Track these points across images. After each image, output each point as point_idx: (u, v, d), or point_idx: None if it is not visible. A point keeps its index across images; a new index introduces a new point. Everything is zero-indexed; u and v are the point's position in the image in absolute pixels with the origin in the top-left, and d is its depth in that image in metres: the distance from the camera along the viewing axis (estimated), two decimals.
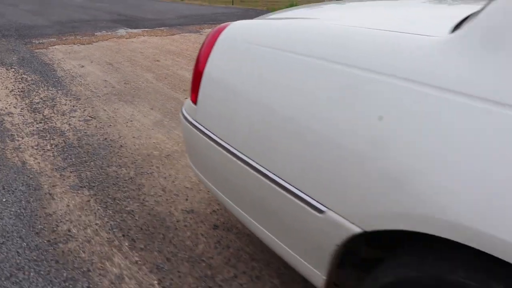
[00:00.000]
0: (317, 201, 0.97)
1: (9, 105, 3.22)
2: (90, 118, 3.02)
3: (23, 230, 1.76)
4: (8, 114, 3.03)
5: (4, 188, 2.08)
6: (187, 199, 2.02)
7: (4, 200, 1.98)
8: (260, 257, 1.63)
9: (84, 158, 2.41)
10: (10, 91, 3.54)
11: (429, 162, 0.75)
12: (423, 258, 0.82)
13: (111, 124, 2.92)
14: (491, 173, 0.67)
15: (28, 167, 2.30)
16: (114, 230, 1.78)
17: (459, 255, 0.76)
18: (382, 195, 0.82)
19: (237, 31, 1.27)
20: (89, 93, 3.56)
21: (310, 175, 0.97)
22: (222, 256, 1.63)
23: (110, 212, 1.91)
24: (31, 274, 1.52)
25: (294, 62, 1.04)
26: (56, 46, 5.37)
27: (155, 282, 1.50)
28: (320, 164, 0.94)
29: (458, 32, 0.80)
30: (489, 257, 0.69)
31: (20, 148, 2.52)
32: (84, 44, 5.57)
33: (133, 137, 2.71)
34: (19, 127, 2.82)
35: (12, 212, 1.88)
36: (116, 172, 2.26)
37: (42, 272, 1.53)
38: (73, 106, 3.25)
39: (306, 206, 0.99)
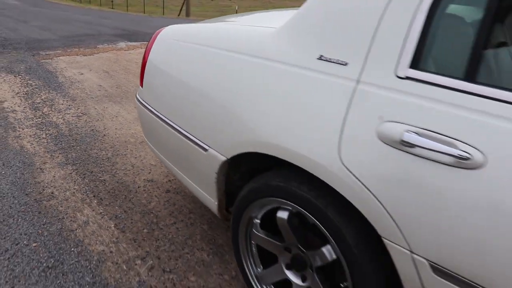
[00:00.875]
0: (204, 143, 1.42)
1: (14, 104, 3.74)
2: (82, 114, 3.51)
3: (16, 192, 2.23)
4: (12, 111, 3.54)
5: (4, 164, 2.56)
6: (150, 172, 2.48)
7: (3, 172, 2.46)
8: (197, 211, 2.07)
9: (72, 144, 2.89)
10: (16, 94, 4.07)
11: (254, 104, 1.21)
12: (269, 174, 1.27)
13: (99, 119, 3.41)
14: (290, 113, 1.12)
15: (25, 150, 2.78)
16: (87, 192, 2.24)
17: (291, 171, 1.20)
18: (232, 133, 1.27)
19: (168, 32, 1.74)
20: (84, 95, 4.07)
21: (200, 126, 1.43)
22: (168, 210, 2.08)
23: (87, 181, 2.37)
24: (19, 220, 1.98)
25: (199, 50, 1.51)
26: (61, 57, 5.94)
27: (112, 225, 1.95)
28: (205, 118, 1.40)
29: (282, 25, 1.26)
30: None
31: (20, 136, 3.01)
32: (86, 56, 6.14)
33: (116, 128, 3.19)
34: (21, 121, 3.32)
35: (8, 181, 2.36)
36: (96, 153, 2.74)
37: (27, 219, 1.99)
38: (69, 105, 3.76)
39: (199, 148, 1.45)
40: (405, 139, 0.85)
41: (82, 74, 4.96)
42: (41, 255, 1.73)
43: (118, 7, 22.89)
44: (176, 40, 1.65)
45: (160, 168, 2.53)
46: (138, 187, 2.31)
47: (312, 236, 1.18)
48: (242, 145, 1.25)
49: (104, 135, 3.07)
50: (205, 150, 1.41)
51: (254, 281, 1.40)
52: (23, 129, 3.15)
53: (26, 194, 2.21)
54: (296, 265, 1.26)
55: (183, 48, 1.58)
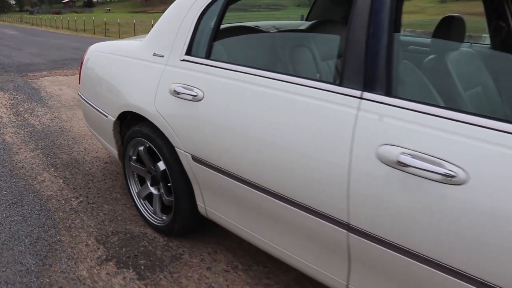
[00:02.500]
0: (105, 112, 2.29)
1: (1, 112, 4.62)
2: (54, 118, 4.39)
3: None
4: None
5: None
6: (96, 152, 3.34)
7: None
8: (122, 173, 2.92)
9: (43, 137, 3.75)
10: (4, 105, 4.96)
11: (126, 83, 2.08)
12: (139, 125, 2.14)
13: (68, 120, 4.29)
14: (138, 85, 2.00)
15: (6, 141, 3.64)
16: (48, 165, 3.10)
17: (146, 123, 2.07)
18: (116, 102, 2.15)
19: (93, 47, 2.63)
20: (60, 105, 4.96)
21: (103, 101, 2.30)
22: (102, 173, 2.94)
23: (49, 158, 3.23)
24: None
25: (106, 56, 2.39)
26: (46, 78, 6.88)
27: (61, 182, 2.80)
28: (105, 95, 2.28)
29: (145, 39, 2.15)
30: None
31: (3, 133, 3.88)
32: (67, 76, 7.08)
33: (79, 127, 4.07)
34: (5, 124, 4.19)
35: None
36: (60, 142, 3.60)
37: (1, 179, 2.84)
38: (46, 112, 4.65)
39: (103, 116, 2.31)
40: (179, 91, 1.72)
41: (61, 89, 5.87)
42: (9, 198, 2.57)
43: (113, 34, 24.19)
44: (96, 51, 2.55)
45: (104, 151, 3.40)
46: (85, 161, 3.17)
47: (153, 159, 2.04)
48: (121, 108, 2.12)
49: (69, 131, 3.94)
50: (106, 116, 2.28)
51: (135, 196, 2.25)
52: (6, 129, 4.02)
53: (3, 166, 3.07)
54: (153, 181, 2.11)
55: (98, 56, 2.47)
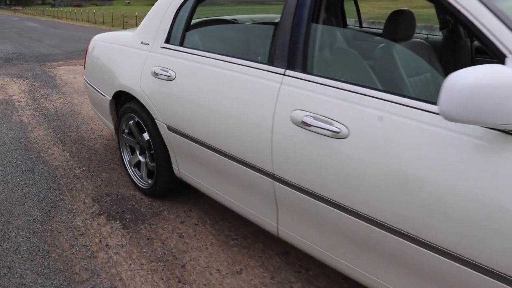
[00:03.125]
0: (104, 93, 2.67)
1: (20, 97, 5.09)
2: (67, 102, 4.83)
3: (14, 141, 3.51)
4: (18, 101, 4.88)
5: (7, 128, 3.85)
6: (101, 131, 3.75)
7: (7, 132, 3.75)
8: None
9: (55, 118, 4.18)
10: (22, 91, 5.43)
11: (120, 67, 2.45)
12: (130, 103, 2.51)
13: (78, 105, 4.72)
14: (128, 68, 2.37)
15: (23, 121, 4.08)
16: (58, 141, 3.51)
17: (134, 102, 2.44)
18: (112, 83, 2.52)
19: (98, 37, 3.01)
20: (72, 91, 5.40)
21: (102, 83, 2.68)
22: (104, 148, 3.33)
23: (59, 136, 3.64)
24: (13, 153, 3.25)
25: (105, 45, 2.76)
26: (62, 67, 7.35)
27: (67, 154, 3.20)
28: (103, 78, 2.65)
29: (136, 30, 2.51)
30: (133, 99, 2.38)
31: (21, 115, 4.33)
32: (82, 65, 7.52)
33: (88, 110, 4.48)
34: (23, 106, 4.64)
35: (10, 136, 3.65)
36: (70, 123, 4.02)
37: (18, 152, 3.26)
38: (59, 97, 5.09)
39: (102, 96, 2.69)
40: (158, 72, 2.08)
41: (75, 77, 6.32)
42: (22, 166, 2.99)
43: (130, 26, 24.81)
44: (99, 41, 2.92)
45: (107, 130, 3.79)
46: (90, 138, 3.57)
47: (140, 131, 2.40)
48: (115, 88, 2.49)
49: (79, 113, 4.36)
50: (104, 96, 2.66)
51: (127, 164, 2.63)
52: (24, 111, 4.47)
53: (20, 142, 3.50)
54: (141, 150, 2.48)
55: (100, 45, 2.85)
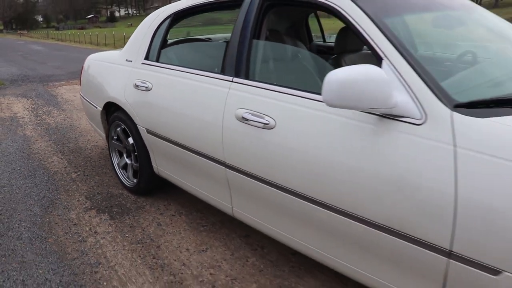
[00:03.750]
0: (96, 105, 3.05)
1: (24, 114, 5.50)
2: (67, 118, 5.23)
3: (18, 151, 3.90)
4: (22, 118, 5.29)
5: (13, 141, 4.25)
6: (97, 142, 4.13)
7: (13, 144, 4.14)
8: None
9: (56, 132, 4.57)
10: (26, 108, 5.85)
11: (109, 82, 2.84)
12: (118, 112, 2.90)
13: (77, 120, 5.12)
14: (114, 83, 2.76)
15: (26, 135, 4.48)
16: (57, 151, 3.89)
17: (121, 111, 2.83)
18: (102, 96, 2.91)
19: (92, 56, 3.42)
20: (72, 108, 5.82)
21: (95, 97, 3.07)
22: (98, 156, 3.70)
23: (59, 146, 4.03)
24: (17, 162, 3.63)
25: (97, 63, 3.16)
26: (64, 86, 7.81)
27: (66, 162, 3.58)
28: (95, 92, 3.04)
29: (123, 49, 2.91)
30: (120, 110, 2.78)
31: (25, 129, 4.72)
32: None
33: (86, 124, 4.88)
34: (27, 122, 5.05)
35: (14, 147, 4.03)
36: (69, 136, 4.41)
37: (22, 160, 3.64)
38: (60, 114, 5.50)
39: (95, 108, 3.08)
40: (138, 84, 2.46)
41: (75, 96, 6.75)
42: (25, 172, 3.35)
43: None
44: (92, 59, 3.33)
45: (102, 141, 4.17)
46: (87, 148, 3.95)
47: (126, 136, 2.78)
48: (105, 100, 2.87)
49: (77, 127, 4.76)
50: (96, 108, 3.05)
51: (116, 166, 3.00)
52: (27, 126, 4.87)
53: (23, 152, 3.88)
54: (127, 154, 2.85)
55: (93, 63, 3.25)
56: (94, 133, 4.44)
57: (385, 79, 1.27)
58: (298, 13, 3.21)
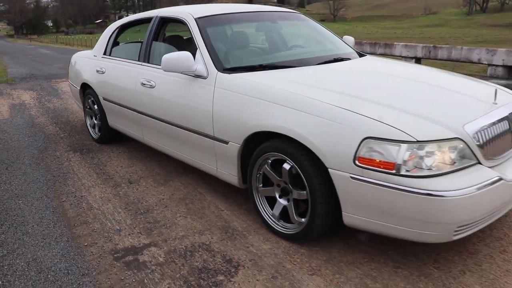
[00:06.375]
0: (76, 86, 4.55)
1: (30, 101, 7.04)
2: (63, 103, 6.76)
3: (25, 123, 5.42)
4: (28, 103, 6.83)
5: (21, 117, 5.77)
6: (81, 118, 5.64)
7: (21, 119, 5.66)
8: None
9: (53, 112, 6.09)
10: (32, 97, 7.40)
11: (83, 72, 4.34)
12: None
13: (70, 105, 6.64)
14: (89, 72, 4.27)
15: (32, 114, 6.00)
16: (53, 123, 5.40)
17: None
18: (79, 79, 4.41)
19: (76, 54, 4.91)
20: (68, 97, 7.35)
21: (76, 80, 4.57)
22: (80, 124, 5.21)
23: (55, 120, 5.54)
24: (24, 129, 5.14)
25: (80, 59, 4.66)
26: (64, 82, 9.36)
27: (62, 135, 5.09)
28: (75, 77, 4.55)
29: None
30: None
31: (30, 111, 6.25)
32: None
33: (76, 108, 6.39)
34: (32, 106, 6.58)
35: (22, 121, 5.55)
36: (63, 114, 5.92)
37: (27, 128, 5.15)
38: (58, 101, 7.03)
39: (76, 88, 4.58)
40: (98, 70, 3.95)
41: None
42: (30, 134, 4.86)
43: None
44: (75, 56, 4.83)
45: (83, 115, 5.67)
46: (74, 121, 5.45)
47: (94, 104, 4.27)
48: (80, 82, 4.36)
49: (70, 109, 6.27)
50: (76, 87, 4.55)
51: (88, 126, 4.49)
52: (32, 109, 6.40)
53: (28, 124, 5.39)
54: (95, 116, 4.34)
55: (75, 59, 4.75)
56: (80, 112, 5.95)
57: (190, 57, 2.72)
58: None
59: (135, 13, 6.14)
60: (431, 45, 8.17)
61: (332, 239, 2.33)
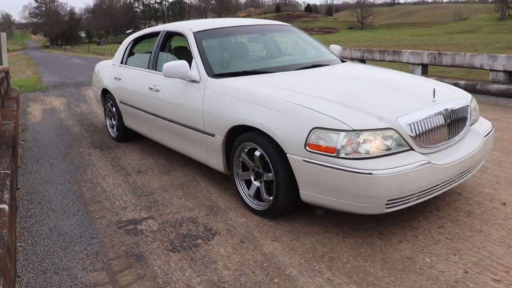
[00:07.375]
0: (98, 91, 5.19)
1: (61, 106, 7.79)
2: (89, 108, 7.46)
3: (55, 124, 6.11)
4: (59, 108, 7.58)
5: (52, 120, 6.48)
6: (104, 120, 6.29)
7: (52, 121, 6.37)
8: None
9: (80, 115, 6.78)
10: (62, 103, 8.16)
11: (105, 79, 4.97)
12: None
13: (95, 110, 7.32)
14: (108, 79, 4.90)
15: (61, 117, 6.71)
16: (79, 125, 6.07)
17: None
18: (100, 85, 5.03)
19: (99, 63, 5.56)
20: (94, 103, 8.05)
21: (98, 85, 5.20)
22: (102, 127, 5.84)
23: (81, 123, 6.21)
24: (53, 129, 5.83)
25: (103, 68, 5.30)
26: (92, 89, 10.14)
27: (84, 133, 5.74)
28: (98, 83, 5.18)
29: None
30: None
31: (60, 114, 6.97)
32: None
33: (100, 112, 7.07)
34: (61, 111, 7.31)
35: (52, 123, 6.25)
36: (88, 117, 6.60)
37: (56, 129, 5.83)
38: (85, 106, 7.75)
39: (98, 92, 5.21)
40: (116, 77, 4.54)
41: None
42: (58, 134, 5.53)
43: None
44: (98, 65, 5.47)
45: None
46: (97, 123, 6.10)
47: (113, 107, 4.87)
48: (102, 87, 4.98)
49: (95, 113, 6.95)
50: (98, 93, 5.17)
51: (108, 126, 5.10)
52: (62, 113, 7.13)
53: (57, 125, 6.08)
54: (113, 117, 4.94)
55: (101, 68, 5.39)
56: (103, 116, 6.60)
57: (186, 65, 3.24)
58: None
59: (164, 23, 6.81)
60: (436, 51, 8.42)
61: (298, 215, 2.77)
